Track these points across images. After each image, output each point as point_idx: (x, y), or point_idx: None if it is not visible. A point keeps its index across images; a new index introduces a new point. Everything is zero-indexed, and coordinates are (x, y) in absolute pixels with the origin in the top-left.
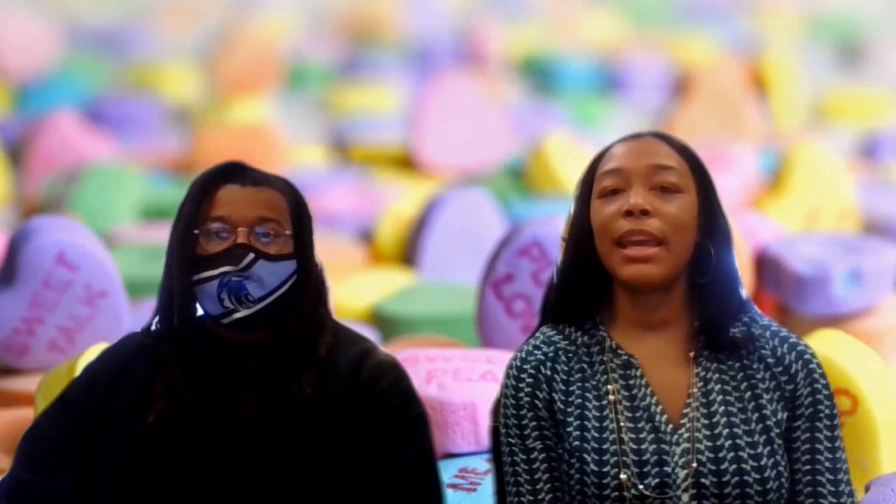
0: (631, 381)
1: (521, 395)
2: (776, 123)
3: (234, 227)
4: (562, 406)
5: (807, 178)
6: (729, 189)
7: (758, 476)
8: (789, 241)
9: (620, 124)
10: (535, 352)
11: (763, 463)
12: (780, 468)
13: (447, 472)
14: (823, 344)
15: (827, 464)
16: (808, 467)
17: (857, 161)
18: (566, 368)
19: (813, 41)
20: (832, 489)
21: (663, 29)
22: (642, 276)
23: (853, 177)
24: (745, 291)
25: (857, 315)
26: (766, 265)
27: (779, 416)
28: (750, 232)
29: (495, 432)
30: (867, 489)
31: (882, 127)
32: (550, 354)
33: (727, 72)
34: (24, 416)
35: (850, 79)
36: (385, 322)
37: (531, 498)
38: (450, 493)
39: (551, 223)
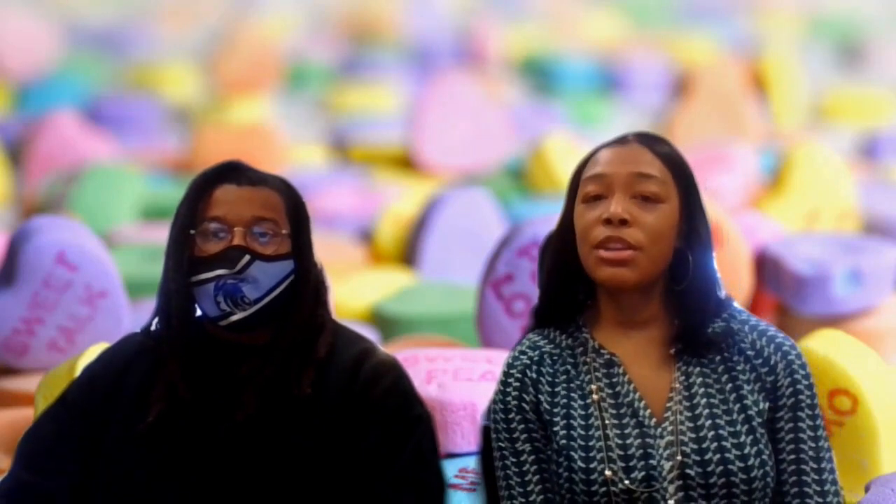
0: (614, 380)
1: (509, 399)
2: (776, 123)
3: (231, 226)
4: (548, 407)
5: (807, 178)
6: (729, 189)
7: (741, 465)
8: (789, 241)
9: (620, 124)
10: (521, 357)
11: (746, 452)
12: (764, 457)
13: (447, 472)
14: (823, 344)
15: (811, 452)
16: (792, 457)
17: (857, 161)
18: (551, 371)
19: (813, 41)
20: (816, 477)
21: (663, 29)
22: (616, 279)
23: (853, 177)
24: (724, 291)
25: (857, 315)
26: (766, 265)
27: (760, 407)
28: (750, 232)
29: (486, 432)
30: (867, 489)
31: (882, 127)
32: (535, 358)
33: (727, 72)
34: (24, 416)
35: (850, 79)
36: (385, 322)
37: (523, 500)
38: (450, 493)
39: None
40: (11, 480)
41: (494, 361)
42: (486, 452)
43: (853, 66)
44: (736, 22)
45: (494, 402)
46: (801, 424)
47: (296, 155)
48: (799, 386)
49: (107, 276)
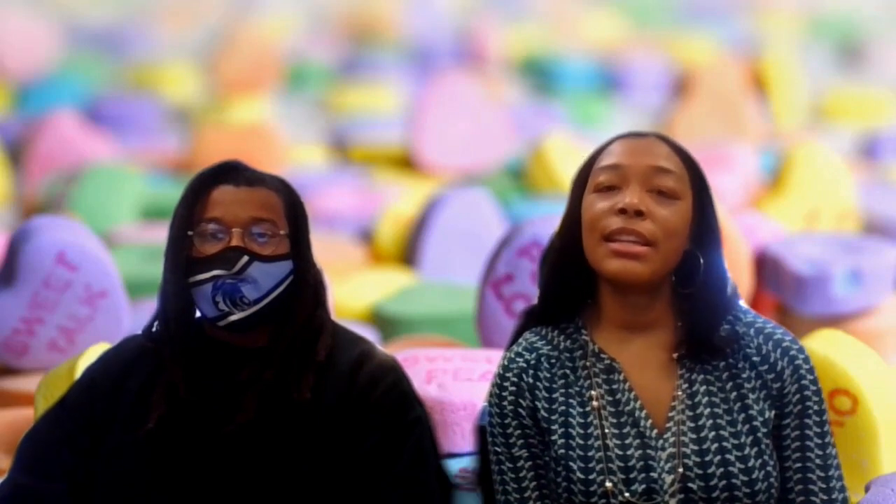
0: (614, 386)
1: (505, 403)
2: (776, 123)
3: (229, 227)
4: (546, 414)
5: (807, 178)
6: (729, 189)
7: (746, 478)
8: (789, 241)
9: (620, 124)
10: (518, 359)
11: (751, 464)
12: (769, 468)
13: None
14: (823, 344)
15: (818, 461)
16: (798, 465)
17: (857, 161)
18: (549, 375)
19: (813, 41)
20: (823, 486)
21: (663, 29)
22: (627, 272)
23: (853, 177)
24: (730, 288)
25: (857, 315)
26: (766, 265)
27: (766, 416)
28: (750, 232)
29: (481, 432)
30: (867, 489)
31: (882, 127)
32: (532, 362)
33: (727, 72)
34: (24, 416)
35: (850, 79)
36: (385, 322)
37: None
38: (456, 493)
39: (551, 223)
40: (10, 484)
41: (494, 361)
42: (483, 453)
43: (853, 66)
44: (736, 22)
45: (490, 405)
46: (808, 432)
47: (296, 155)
48: (806, 392)
49: (107, 276)
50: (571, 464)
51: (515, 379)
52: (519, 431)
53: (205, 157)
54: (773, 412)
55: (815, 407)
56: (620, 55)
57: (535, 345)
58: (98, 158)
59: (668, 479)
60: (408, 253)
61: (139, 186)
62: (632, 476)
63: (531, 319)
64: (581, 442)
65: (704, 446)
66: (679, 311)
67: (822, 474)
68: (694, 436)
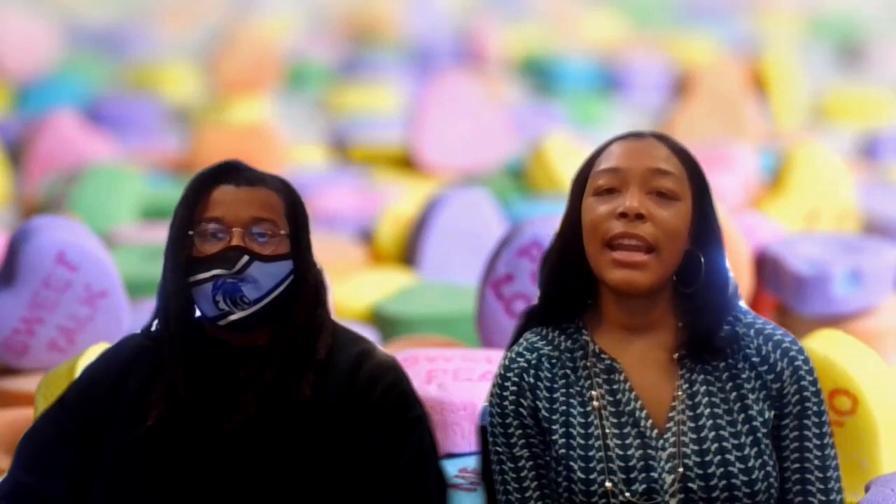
0: (615, 386)
1: (506, 403)
2: (776, 123)
3: (229, 227)
4: (546, 414)
5: (807, 178)
6: (729, 189)
7: (745, 478)
8: (789, 241)
9: (620, 124)
10: (518, 359)
11: (751, 464)
12: (769, 468)
13: (447, 471)
14: (823, 344)
15: (816, 461)
16: (797, 465)
17: (857, 161)
18: (550, 375)
19: (813, 41)
20: (821, 486)
21: (663, 29)
22: (629, 283)
23: (853, 177)
24: (731, 287)
25: (857, 315)
26: (766, 265)
27: (766, 416)
28: (750, 232)
29: (483, 432)
30: (867, 489)
31: (882, 127)
32: (533, 362)
33: (727, 72)
34: (24, 416)
35: (850, 79)
36: (385, 322)
37: None
38: (451, 493)
39: (551, 223)
40: (10, 482)
41: (494, 361)
42: (486, 453)
43: (853, 66)
44: (736, 22)
45: (491, 405)
46: (806, 433)
47: (296, 155)
48: (805, 393)
49: (107, 276)
50: (572, 463)
51: (516, 379)
52: (520, 431)
53: (205, 157)
54: (773, 412)
55: (815, 408)
56: (620, 55)
57: (536, 345)
58: (98, 158)
59: (669, 478)
60: (408, 253)
61: (139, 186)
62: (632, 476)
63: (532, 319)
64: (582, 442)
65: (704, 446)
66: (680, 311)
67: (820, 475)
68: (694, 436)
